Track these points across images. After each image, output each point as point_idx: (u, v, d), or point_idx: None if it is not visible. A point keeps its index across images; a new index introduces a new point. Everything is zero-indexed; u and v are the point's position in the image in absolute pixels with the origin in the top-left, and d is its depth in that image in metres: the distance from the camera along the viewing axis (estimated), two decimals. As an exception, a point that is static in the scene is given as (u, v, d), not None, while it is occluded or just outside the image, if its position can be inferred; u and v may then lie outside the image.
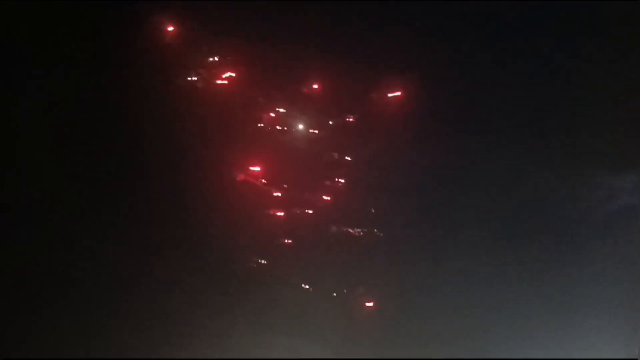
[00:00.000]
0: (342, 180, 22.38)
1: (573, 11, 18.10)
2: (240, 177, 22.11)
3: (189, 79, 21.29)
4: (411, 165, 21.04)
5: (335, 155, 22.28)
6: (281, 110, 21.93)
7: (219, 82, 21.46)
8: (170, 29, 20.80)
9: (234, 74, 21.45)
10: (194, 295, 21.46)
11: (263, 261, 22.58)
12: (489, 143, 19.89)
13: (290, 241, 22.71)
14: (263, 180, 22.31)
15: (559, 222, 19.72)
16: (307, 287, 22.54)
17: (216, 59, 21.28)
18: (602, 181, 18.35)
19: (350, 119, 21.81)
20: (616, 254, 18.53)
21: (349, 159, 22.26)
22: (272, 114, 21.97)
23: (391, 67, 20.63)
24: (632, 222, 18.58)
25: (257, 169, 22.26)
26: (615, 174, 18.20)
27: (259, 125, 22.01)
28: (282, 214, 22.54)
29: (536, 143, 19.64)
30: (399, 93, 21.08)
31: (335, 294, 22.49)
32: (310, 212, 22.58)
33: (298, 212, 22.53)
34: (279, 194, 22.44)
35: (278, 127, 22.06)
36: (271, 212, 22.51)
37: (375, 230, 22.54)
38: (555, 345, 19.09)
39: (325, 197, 22.59)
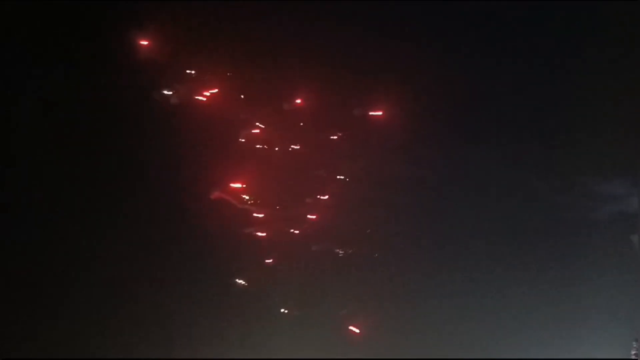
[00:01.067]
0: (326, 197, 22.12)
1: (561, 16, 18.58)
2: (221, 195, 21.66)
3: (166, 94, 21.01)
4: (399, 180, 21.13)
5: (320, 172, 22.07)
6: (263, 126, 21.72)
7: (198, 97, 21.22)
8: (145, 43, 20.49)
9: (214, 90, 21.20)
10: (171, 314, 21.01)
11: (242, 281, 22.05)
12: (478, 153, 20.12)
13: (272, 260, 22.20)
14: (245, 198, 21.85)
15: (555, 228, 20.04)
16: (286, 311, 22.02)
17: (193, 72, 21.08)
18: (597, 187, 18.74)
19: (334, 136, 21.73)
20: (611, 258, 18.78)
21: (333, 176, 22.06)
22: (254, 130, 21.78)
23: (375, 84, 20.72)
24: (627, 227, 18.74)
25: (239, 186, 21.88)
26: (609, 180, 18.62)
27: (240, 141, 21.74)
28: (264, 233, 22.07)
29: (530, 150, 19.91)
30: (380, 113, 21.17)
31: (321, 317, 21.92)
32: (294, 231, 22.21)
33: (281, 230, 22.12)
34: (261, 215, 22.03)
35: (259, 145, 21.82)
36: (253, 231, 22.04)
37: (362, 249, 22.20)
38: (551, 345, 19.43)
39: (309, 216, 22.24)
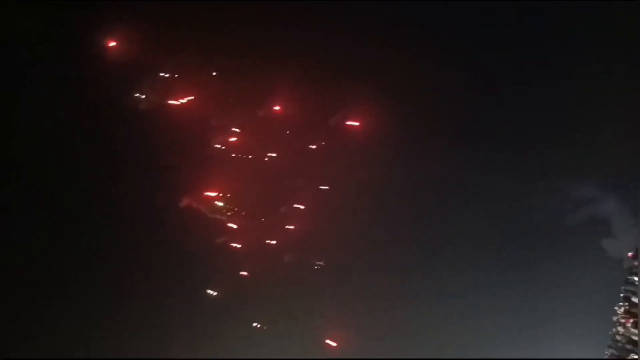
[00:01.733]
0: (303, 207, 21.87)
1: (537, 27, 18.87)
2: (191, 203, 21.17)
3: (137, 98, 20.35)
4: (376, 189, 21.14)
5: (296, 181, 21.82)
6: (238, 133, 21.35)
7: (170, 102, 20.66)
8: (112, 44, 19.98)
9: (189, 97, 20.75)
10: (141, 328, 20.54)
11: (215, 293, 21.51)
12: (454, 161, 20.28)
13: (246, 273, 21.78)
14: (217, 206, 21.53)
15: (528, 232, 20.55)
16: (258, 325, 21.64)
17: (166, 76, 20.54)
18: (571, 191, 19.22)
19: (313, 145, 21.58)
20: (585, 262, 19.20)
21: (310, 185, 21.78)
22: (229, 138, 21.37)
23: (353, 94, 20.72)
24: (598, 230, 19.14)
25: (211, 194, 21.52)
26: (583, 185, 19.13)
27: (213, 148, 21.32)
28: (238, 244, 21.68)
29: (505, 156, 20.35)
30: (357, 123, 21.19)
31: (296, 332, 21.66)
32: (269, 241, 21.88)
33: (256, 241, 21.76)
34: (235, 226, 21.72)
35: (234, 153, 21.42)
36: (226, 241, 21.63)
37: (338, 259, 21.98)
38: (527, 346, 20.06)
39: (286, 226, 21.95)
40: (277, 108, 21.15)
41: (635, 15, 17.16)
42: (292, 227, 22.03)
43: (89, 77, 19.71)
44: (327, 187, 21.81)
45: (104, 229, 20.36)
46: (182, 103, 20.75)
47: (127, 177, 20.72)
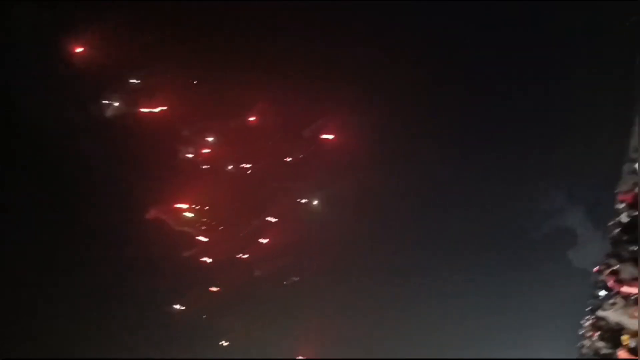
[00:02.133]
0: (276, 220, 21.65)
1: (501, 36, 18.89)
2: (159, 215, 20.44)
3: (105, 104, 19.59)
4: (350, 202, 21.31)
5: (270, 194, 21.67)
6: (211, 143, 21.03)
7: (141, 110, 20.01)
8: (80, 49, 18.96)
9: (161, 106, 20.12)
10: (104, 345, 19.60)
11: (183, 308, 21.03)
12: (427, 174, 20.57)
13: (218, 289, 21.42)
14: (186, 218, 21.01)
15: (496, 242, 21.00)
16: (227, 343, 21.32)
17: (138, 82, 19.79)
18: (539, 203, 19.71)
19: (288, 158, 21.47)
20: (559, 267, 19.58)
21: (284, 198, 21.70)
22: (203, 148, 20.97)
23: (329, 107, 20.72)
24: (566, 242, 19.68)
25: (183, 206, 21.00)
26: (551, 196, 19.57)
27: (186, 158, 20.84)
28: (209, 259, 21.14)
29: (478, 168, 20.53)
30: (332, 136, 21.18)
31: (267, 349, 21.37)
32: (241, 256, 21.58)
33: (227, 255, 21.37)
34: (206, 239, 21.24)
35: (206, 165, 20.98)
36: (195, 255, 21.08)
37: (312, 275, 21.97)
38: (502, 347, 20.42)
39: (259, 240, 21.69)
40: (252, 119, 20.84)
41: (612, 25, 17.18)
42: (265, 240, 21.73)
43: (56, 81, 18.92)
44: (303, 200, 21.67)
45: (66, 242, 19.44)
46: (153, 111, 20.14)
47: (93, 186, 19.97)
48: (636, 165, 10.23)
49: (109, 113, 19.61)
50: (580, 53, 17.63)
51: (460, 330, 21.60)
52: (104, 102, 19.51)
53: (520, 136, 20.21)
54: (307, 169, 21.63)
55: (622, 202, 11.15)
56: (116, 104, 19.66)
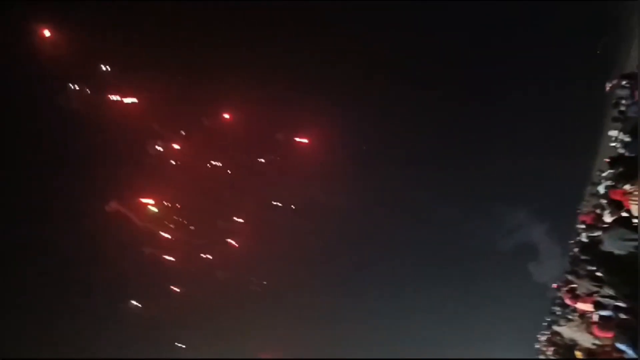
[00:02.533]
0: (242, 221, 21.35)
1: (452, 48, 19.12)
2: (119, 208, 19.70)
3: (71, 92, 18.65)
4: (318, 207, 21.30)
5: (240, 195, 21.32)
6: (181, 139, 20.51)
7: (110, 100, 19.30)
8: (47, 33, 17.84)
9: (132, 97, 19.46)
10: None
11: (139, 305, 20.44)
12: (396, 184, 20.73)
13: (179, 289, 20.94)
14: (152, 212, 20.28)
15: (461, 255, 21.52)
16: (182, 346, 20.86)
17: (108, 70, 18.93)
18: (503, 217, 20.33)
19: (262, 159, 21.22)
20: (520, 282, 20.15)
21: (254, 200, 21.44)
22: (173, 144, 20.41)
23: (304, 110, 20.49)
24: (528, 256, 20.29)
25: (148, 201, 20.31)
26: (515, 212, 20.23)
27: (154, 153, 20.15)
28: (172, 257, 20.56)
29: (442, 181, 20.97)
30: (306, 140, 21.14)
31: (226, 353, 20.91)
32: (205, 256, 21.16)
33: (190, 255, 20.92)
34: (170, 236, 20.66)
35: (174, 160, 20.44)
36: (158, 252, 20.46)
37: (275, 280, 21.76)
38: (464, 355, 21.19)
39: (227, 240, 21.34)
40: (226, 116, 20.43)
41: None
42: (231, 242, 21.38)
43: (20, 69, 17.78)
44: (273, 204, 21.38)
45: (22, 233, 18.41)
46: (124, 102, 19.44)
47: (54, 177, 18.95)
48: (598, 188, 10.71)
49: (76, 100, 18.83)
50: (547, 74, 18.07)
51: (420, 341, 22.01)
52: (71, 87, 18.76)
53: (487, 152, 20.79)
54: (280, 173, 21.51)
55: (582, 222, 11.61)
56: (85, 90, 18.93)
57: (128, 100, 19.51)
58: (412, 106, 20.08)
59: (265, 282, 22.15)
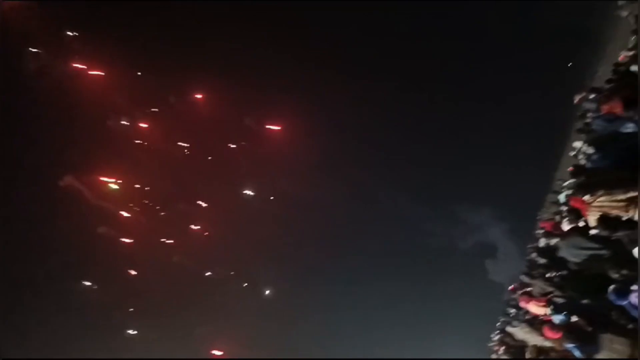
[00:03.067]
0: (206, 205, 21.08)
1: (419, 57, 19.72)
2: (74, 184, 19.05)
3: (34, 53, 17.71)
4: (285, 197, 21.38)
5: (205, 180, 21.06)
6: (148, 118, 19.99)
7: (75, 66, 18.49)
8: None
9: (100, 69, 18.74)
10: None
11: (93, 286, 19.95)
12: (366, 180, 21.15)
13: (135, 272, 20.49)
14: (111, 189, 19.81)
15: (422, 252, 22.06)
16: (136, 332, 20.39)
17: (75, 35, 18.10)
18: (463, 217, 21.03)
19: (232, 145, 20.96)
20: (473, 281, 21.26)
21: (220, 184, 21.16)
22: (139, 122, 19.90)
23: (277, 99, 20.52)
24: (485, 255, 21.33)
25: (107, 180, 19.79)
26: (477, 211, 20.93)
27: (118, 129, 19.63)
28: (130, 240, 20.15)
29: (405, 178, 21.56)
30: (279, 127, 21.12)
31: (178, 339, 20.84)
32: (165, 240, 20.86)
33: (149, 237, 20.55)
34: (129, 215, 20.26)
35: (138, 140, 19.92)
36: (114, 232, 20.07)
37: (234, 268, 21.78)
38: (418, 351, 21.55)
39: (186, 226, 21.10)
40: (198, 96, 20.03)
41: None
42: (192, 227, 21.10)
43: None
44: (240, 191, 21.22)
45: None
46: (87, 72, 18.66)
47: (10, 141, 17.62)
48: (559, 197, 11.21)
49: (36, 65, 17.95)
50: (517, 82, 18.51)
51: (377, 335, 22.50)
52: (30, 50, 17.76)
53: (453, 153, 21.53)
54: (249, 160, 21.50)
55: (542, 228, 12.14)
56: (48, 56, 18.00)
57: (94, 72, 18.85)
58: (383, 105, 20.54)
59: (229, 272, 21.98)
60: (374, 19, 19.23)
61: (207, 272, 21.68)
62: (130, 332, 20.64)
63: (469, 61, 19.39)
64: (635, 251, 4.86)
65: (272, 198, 21.77)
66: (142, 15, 18.32)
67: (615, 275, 5.35)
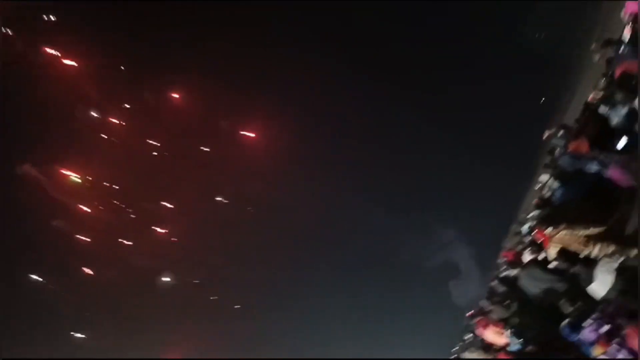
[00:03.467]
0: (172, 207, 20.77)
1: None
2: (39, 175, 18.40)
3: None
4: (253, 203, 21.43)
5: (175, 179, 20.72)
6: (119, 113, 19.53)
7: (47, 52, 17.90)
8: None
9: (74, 59, 18.15)
10: None
11: (43, 281, 19.00)
12: (336, 190, 21.31)
13: (91, 272, 19.90)
14: (73, 182, 19.09)
15: (390, 267, 22.56)
16: (80, 336, 19.79)
17: (51, 19, 17.44)
18: (431, 238, 21.48)
19: (205, 148, 20.69)
20: (435, 300, 21.85)
21: (186, 186, 20.84)
22: (109, 117, 19.43)
23: (253, 106, 20.49)
24: (450, 273, 21.73)
25: (69, 173, 19.10)
26: (444, 233, 21.41)
27: (87, 121, 19.05)
28: (87, 237, 19.47)
29: (377, 190, 21.99)
30: (253, 134, 21.07)
31: (130, 346, 20.34)
32: (124, 241, 20.35)
33: (108, 237, 20.02)
34: (88, 211, 19.62)
35: (107, 135, 19.41)
36: (73, 228, 19.35)
37: (195, 273, 21.50)
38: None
39: (150, 227, 20.67)
40: (175, 96, 19.76)
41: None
42: (157, 229, 20.70)
43: None
44: (208, 194, 21.01)
45: None
46: (60, 60, 18.01)
47: None
48: (522, 228, 11.55)
49: (7, 48, 17.08)
50: (489, 107, 19.04)
51: (338, 345, 22.79)
52: (3, 32, 16.96)
53: (426, 170, 21.72)
54: (221, 164, 21.24)
55: (504, 257, 12.46)
56: (20, 40, 17.25)
57: (67, 61, 18.26)
58: (357, 115, 20.58)
59: (192, 279, 21.53)
60: (351, 28, 19.42)
61: (168, 277, 21.09)
62: (79, 335, 19.99)
63: (442, 86, 19.72)
64: (590, 288, 5.05)
65: (242, 204, 21.55)
66: (122, 7, 18.02)
67: (569, 309, 5.53)
